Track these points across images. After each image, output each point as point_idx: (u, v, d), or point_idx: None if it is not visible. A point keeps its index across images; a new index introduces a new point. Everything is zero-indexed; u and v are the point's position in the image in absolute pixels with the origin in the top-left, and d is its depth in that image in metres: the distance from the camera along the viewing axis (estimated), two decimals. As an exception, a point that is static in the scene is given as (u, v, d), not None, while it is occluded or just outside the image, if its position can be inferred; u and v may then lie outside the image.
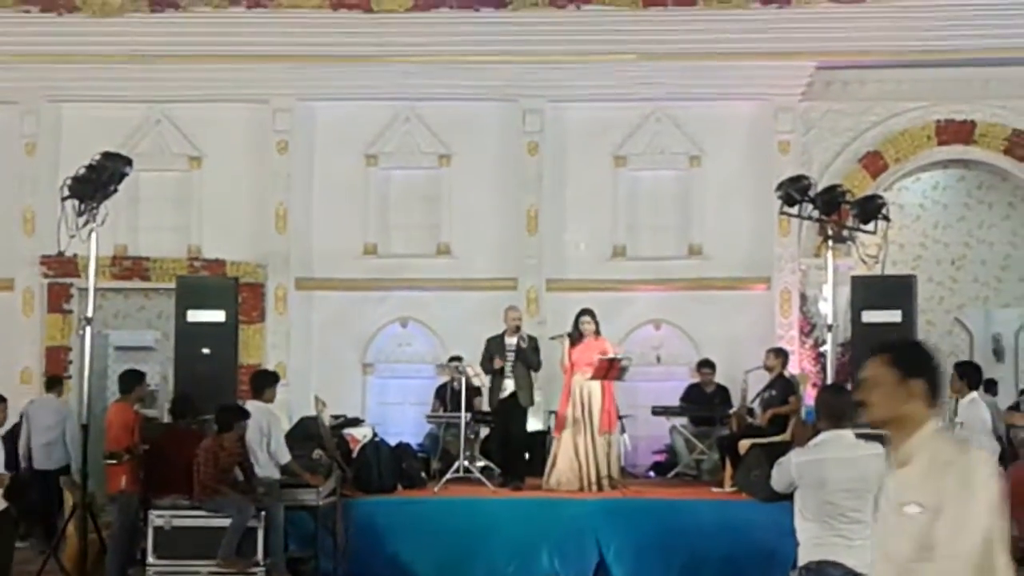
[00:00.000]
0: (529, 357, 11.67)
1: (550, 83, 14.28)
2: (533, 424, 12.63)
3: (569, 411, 11.26)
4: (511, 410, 11.72)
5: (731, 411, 12.50)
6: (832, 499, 5.51)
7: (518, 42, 14.02)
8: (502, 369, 11.66)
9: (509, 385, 11.68)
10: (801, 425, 10.94)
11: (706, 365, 13.35)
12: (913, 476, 3.40)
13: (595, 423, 11.20)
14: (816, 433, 5.85)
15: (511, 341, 11.63)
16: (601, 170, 14.54)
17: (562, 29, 14.08)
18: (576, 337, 11.42)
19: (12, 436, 12.20)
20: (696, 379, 13.50)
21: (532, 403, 11.95)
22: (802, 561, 5.64)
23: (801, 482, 5.62)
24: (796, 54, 14.04)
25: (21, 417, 11.99)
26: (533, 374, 11.93)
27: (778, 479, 5.80)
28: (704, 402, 13.18)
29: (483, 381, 11.87)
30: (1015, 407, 13.82)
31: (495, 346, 11.74)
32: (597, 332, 11.43)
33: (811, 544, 5.59)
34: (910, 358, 3.52)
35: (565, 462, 11.21)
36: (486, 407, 12.37)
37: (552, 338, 11.79)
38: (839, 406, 5.82)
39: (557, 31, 14.07)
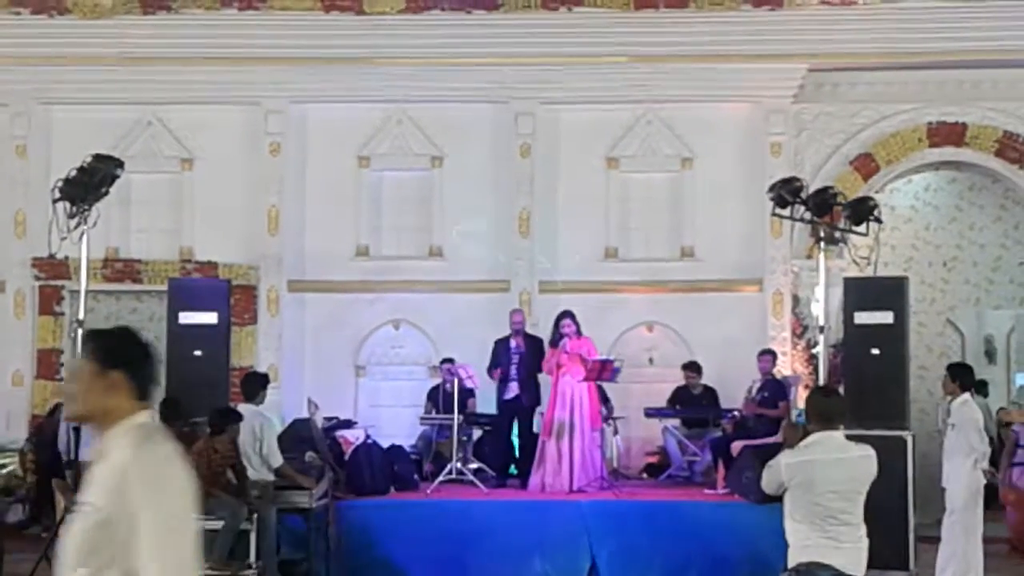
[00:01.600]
0: (527, 360, 11.75)
1: (542, 85, 14.28)
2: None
3: (557, 413, 11.27)
4: (515, 412, 11.79)
5: (734, 412, 12.53)
6: (821, 501, 5.52)
7: (510, 44, 14.01)
8: (506, 373, 11.75)
9: (513, 388, 11.76)
10: (791, 427, 10.94)
11: (691, 367, 13.33)
12: (97, 473, 3.18)
13: (586, 424, 11.24)
14: (806, 435, 5.86)
15: (514, 344, 11.77)
16: (593, 172, 14.51)
17: (554, 31, 14.07)
18: (559, 340, 11.47)
19: (41, 436, 12.24)
20: (682, 381, 13.50)
21: (539, 403, 11.98)
22: (792, 563, 5.66)
23: (791, 484, 5.63)
24: (788, 56, 14.04)
25: (52, 414, 11.97)
26: (539, 376, 11.98)
27: (768, 481, 5.81)
28: (691, 404, 13.18)
29: (476, 383, 11.87)
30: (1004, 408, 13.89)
31: (501, 349, 11.84)
32: (579, 332, 11.48)
33: (801, 546, 5.60)
34: (109, 348, 3.29)
35: (551, 465, 11.22)
36: (479, 409, 12.40)
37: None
38: (829, 408, 5.83)
39: (549, 33, 14.06)
